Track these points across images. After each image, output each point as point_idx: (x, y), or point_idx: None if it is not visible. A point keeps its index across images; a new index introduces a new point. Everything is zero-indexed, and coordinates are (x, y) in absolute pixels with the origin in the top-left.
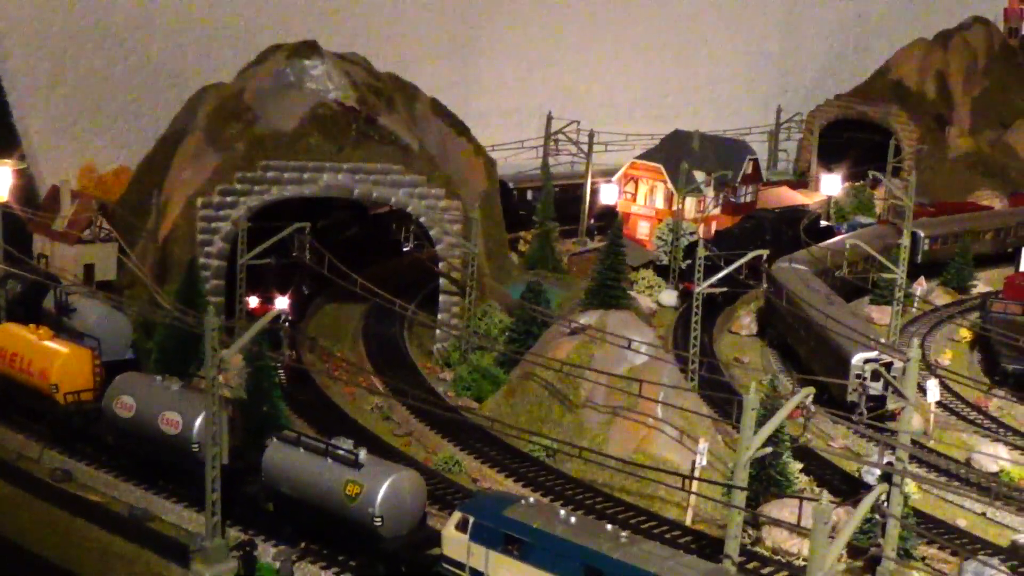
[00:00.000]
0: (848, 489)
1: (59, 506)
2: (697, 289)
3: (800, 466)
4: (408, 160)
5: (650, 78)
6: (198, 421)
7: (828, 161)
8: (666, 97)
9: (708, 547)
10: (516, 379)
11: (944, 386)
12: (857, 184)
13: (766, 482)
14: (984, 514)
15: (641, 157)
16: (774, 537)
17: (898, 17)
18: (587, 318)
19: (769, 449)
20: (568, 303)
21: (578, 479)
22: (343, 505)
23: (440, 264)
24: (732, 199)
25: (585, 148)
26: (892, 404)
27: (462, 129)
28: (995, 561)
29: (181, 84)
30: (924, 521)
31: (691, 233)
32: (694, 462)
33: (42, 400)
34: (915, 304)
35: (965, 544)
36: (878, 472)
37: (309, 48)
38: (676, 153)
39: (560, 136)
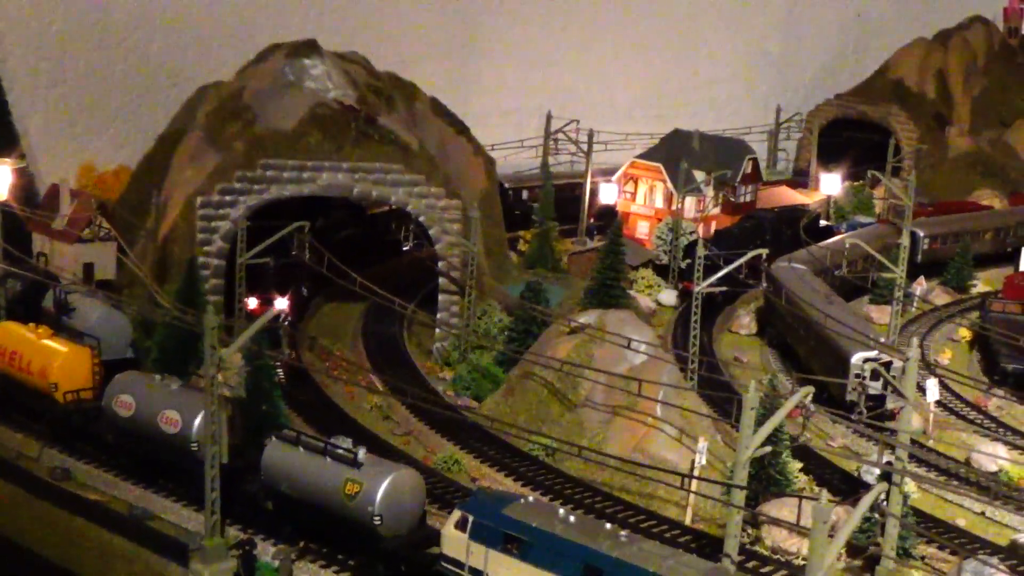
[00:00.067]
0: (847, 488)
1: (58, 505)
2: (696, 288)
3: (799, 465)
4: (408, 159)
5: (650, 77)
6: (197, 420)
7: (828, 161)
8: (666, 96)
9: (708, 546)
10: (515, 378)
11: (943, 385)
12: (856, 184)
13: (765, 481)
14: (983, 513)
15: (641, 157)
16: (773, 536)
17: (898, 17)
18: (586, 317)
19: (768, 448)
20: (568, 302)
21: (577, 478)
22: (342, 504)
23: (439, 263)
24: (732, 199)
25: (585, 147)
26: (891, 403)
27: (462, 128)
28: (994, 560)
29: (181, 83)
30: (923, 520)
31: (691, 232)
32: (693, 461)
33: (41, 399)
34: (914, 304)
35: (964, 543)
36: (877, 471)
37: (309, 47)
38: (676, 152)
39: (560, 135)
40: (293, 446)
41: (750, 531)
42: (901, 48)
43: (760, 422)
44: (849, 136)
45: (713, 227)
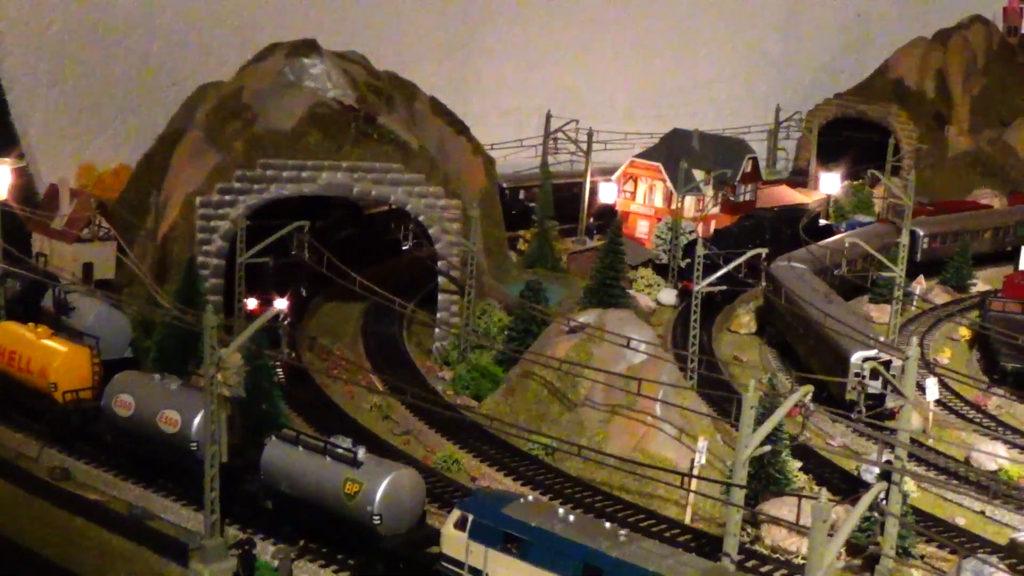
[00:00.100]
0: (847, 487)
1: (58, 505)
2: (696, 288)
3: (799, 464)
4: (407, 159)
5: (649, 77)
6: (197, 419)
7: (827, 160)
8: (665, 96)
9: (707, 545)
10: (515, 378)
11: (943, 384)
12: (856, 183)
13: (765, 480)
14: (983, 512)
15: (640, 156)
16: (773, 535)
17: (897, 16)
18: (586, 317)
19: (768, 447)
20: (567, 302)
21: (577, 477)
22: (342, 503)
23: (439, 263)
24: (731, 198)
25: (584, 147)
26: (891, 402)
27: (461, 128)
28: (994, 559)
29: (180, 83)
30: (923, 519)
31: (690, 232)
32: (693, 460)
33: (41, 399)
34: (914, 303)
35: (964, 542)
36: (877, 470)
37: (308, 47)
38: (675, 152)
39: (559, 135)
40: (293, 445)
41: (750, 530)
42: (901, 47)
43: (759, 421)
44: (849, 135)
45: (713, 226)
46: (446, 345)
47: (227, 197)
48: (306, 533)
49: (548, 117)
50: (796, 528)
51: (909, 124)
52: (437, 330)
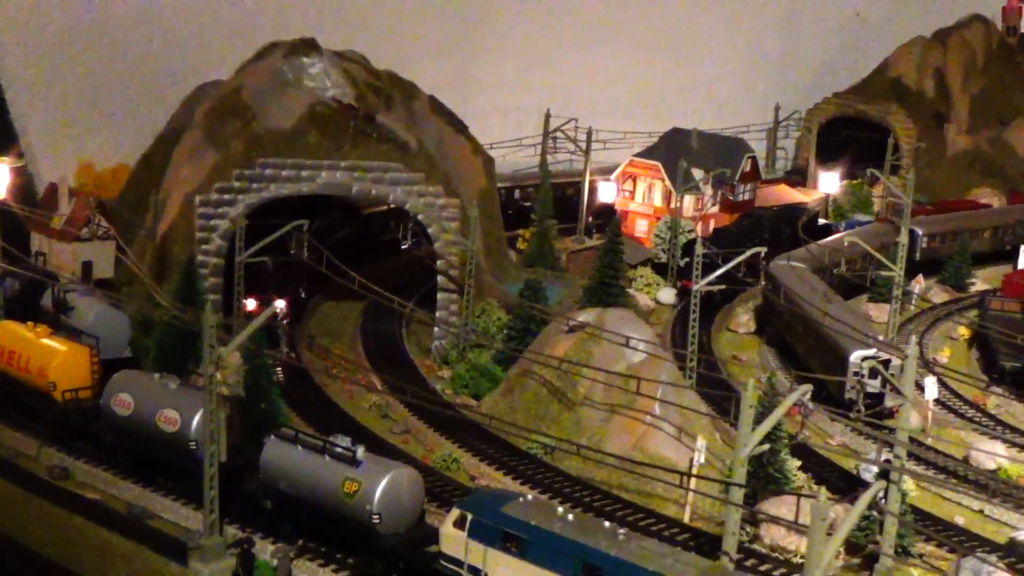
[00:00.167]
0: (846, 486)
1: (57, 504)
2: (695, 287)
3: (798, 463)
4: (406, 158)
5: (648, 76)
6: (196, 419)
7: (826, 159)
8: (664, 95)
9: (706, 544)
10: (514, 377)
11: (942, 384)
12: (855, 182)
13: (764, 479)
14: (982, 511)
15: (639, 155)
16: (772, 534)
17: (896, 15)
18: (585, 316)
19: (767, 446)
20: (567, 301)
21: (576, 476)
22: (341, 502)
23: (438, 262)
24: (730, 197)
25: (583, 146)
26: (890, 401)
27: (460, 127)
28: (993, 558)
29: (179, 82)
30: (922, 518)
31: (689, 231)
32: (692, 459)
33: (40, 398)
34: (913, 302)
35: (963, 541)
36: (876, 469)
37: (307, 46)
38: (674, 151)
39: (558, 134)
40: (292, 445)
41: (749, 529)
42: (900, 47)
43: (759, 420)
44: (848, 134)
45: (712, 225)
46: (445, 344)
47: (226, 196)
48: (305, 532)
49: (547, 116)
50: (795, 527)
51: (908, 123)
52: (436, 329)
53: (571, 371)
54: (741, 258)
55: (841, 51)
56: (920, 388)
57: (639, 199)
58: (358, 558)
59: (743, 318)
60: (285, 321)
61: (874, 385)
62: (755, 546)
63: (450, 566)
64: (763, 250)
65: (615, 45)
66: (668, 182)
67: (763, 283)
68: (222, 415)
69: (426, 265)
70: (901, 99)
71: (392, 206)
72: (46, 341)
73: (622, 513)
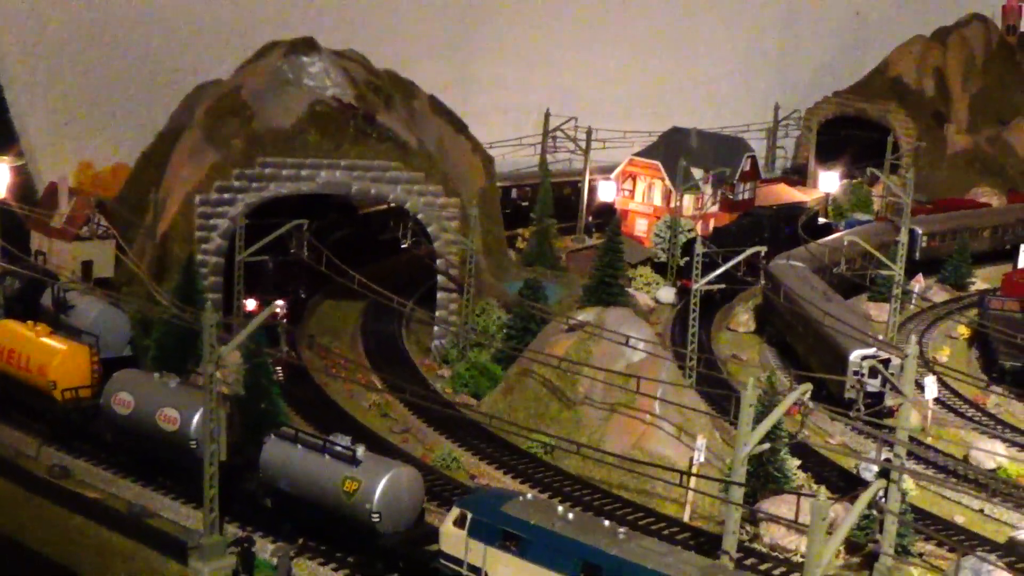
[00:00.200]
0: (846, 485)
1: (57, 503)
2: (695, 286)
3: (798, 462)
4: (406, 157)
5: (648, 75)
6: (196, 418)
7: (826, 158)
8: (664, 94)
9: (706, 543)
10: (514, 376)
11: (942, 383)
12: (855, 181)
13: (764, 478)
14: (982, 511)
15: (639, 154)
16: (772, 533)
17: (896, 14)
18: (585, 315)
19: (767, 445)
20: (567, 300)
21: (576, 475)
22: (341, 501)
23: (438, 261)
24: (730, 196)
25: (583, 145)
26: (890, 401)
27: (460, 126)
28: (993, 557)
29: (179, 81)
30: (922, 517)
31: (689, 230)
32: (692, 458)
33: (40, 397)
34: (913, 301)
35: (963, 540)
36: (876, 468)
37: (307, 45)
38: (674, 150)
39: (558, 133)
40: (292, 444)
41: (748, 528)
42: (900, 46)
43: (758, 419)
44: (847, 134)
45: (711, 225)
46: (445, 343)
47: (226, 195)
48: (305, 531)
49: (547, 115)
50: (795, 526)
51: (908, 122)
52: (436, 328)
53: (571, 370)
54: (741, 257)
55: (841, 50)
56: (920, 387)
57: (639, 198)
58: (358, 557)
59: (743, 317)
60: (284, 320)
61: (874, 384)
62: (755, 545)
63: (450, 565)
64: (763, 249)
65: (615, 44)
66: (668, 181)
67: (763, 282)
68: (222, 414)
69: (426, 264)
70: (901, 98)
71: (392, 205)
72: (46, 340)
73: (622, 512)
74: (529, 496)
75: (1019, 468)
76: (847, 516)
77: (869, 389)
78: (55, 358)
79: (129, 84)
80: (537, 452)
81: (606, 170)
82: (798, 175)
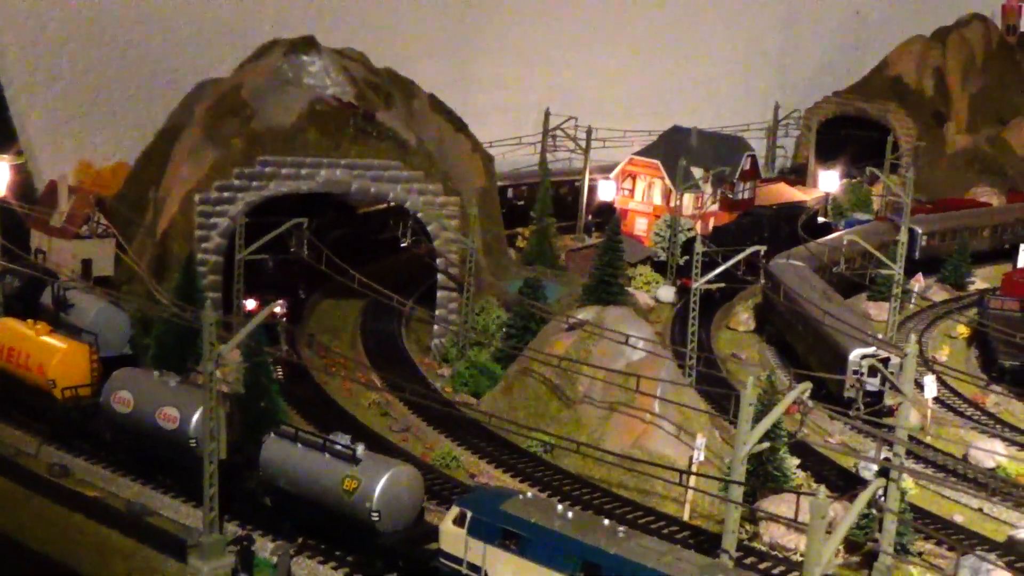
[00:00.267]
0: (845, 484)
1: (57, 501)
2: (695, 285)
3: (797, 461)
4: (406, 156)
5: (648, 74)
6: (196, 416)
7: (826, 158)
8: (664, 93)
9: (705, 542)
10: (514, 375)
11: (941, 382)
12: (855, 181)
13: (763, 477)
14: (981, 509)
15: (639, 153)
16: (771, 532)
17: (896, 14)
18: (585, 314)
19: (766, 444)
20: (566, 299)
21: (576, 474)
22: (341, 500)
23: (438, 260)
24: (730, 195)
25: (583, 144)
26: (889, 400)
27: (460, 125)
28: (992, 556)
29: (179, 79)
30: (921, 516)
31: (689, 229)
32: (691, 457)
33: (40, 395)
34: (912, 300)
35: (962, 539)
36: (875, 467)
37: (307, 44)
38: (674, 149)
39: (558, 132)
40: (291, 442)
41: (748, 527)
42: (899, 45)
43: (758, 418)
44: (847, 133)
45: (711, 224)
46: (445, 342)
47: (226, 194)
48: (305, 530)
49: (547, 114)
50: (794, 525)
51: (908, 122)
52: (436, 327)
53: (571, 369)
54: (740, 256)
55: (841, 50)
56: (919, 386)
57: (639, 197)
58: (357, 556)
59: (743, 316)
60: (284, 319)
61: (873, 383)
62: (754, 544)
63: (449, 564)
64: (763, 248)
65: (615, 44)
66: (668, 180)
67: (763, 281)
68: (222, 413)
69: (425, 263)
70: (900, 98)
71: (391, 204)
72: (46, 339)
73: (621, 511)
74: (529, 495)
75: (1018, 467)
76: (846, 515)
77: (869, 388)
78: (55, 357)
79: (129, 83)
80: (537, 451)
81: (606, 169)
82: (795, 175)
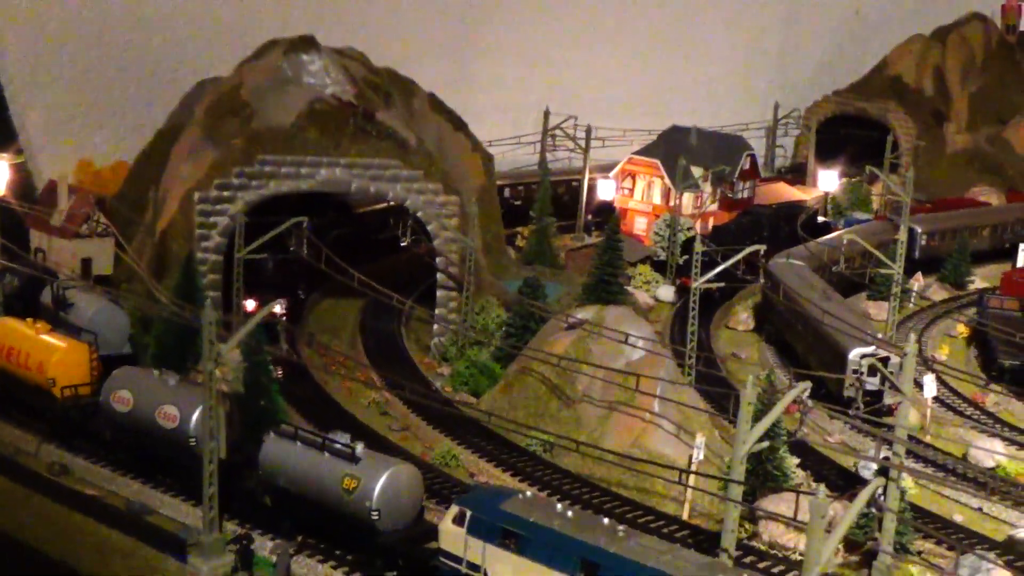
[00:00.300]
0: (845, 484)
1: (56, 500)
2: (694, 284)
3: (797, 461)
4: (405, 155)
5: (648, 74)
6: (195, 415)
7: (826, 157)
8: (664, 93)
9: (705, 541)
10: (513, 374)
11: (941, 381)
12: (854, 180)
13: (763, 476)
14: (980, 509)
15: (638, 153)
16: (771, 531)
17: (896, 13)
18: (584, 313)
19: (766, 444)
20: (566, 298)
21: (575, 473)
22: (340, 499)
23: (437, 259)
24: (729, 195)
25: (583, 143)
26: (889, 399)
27: (460, 124)
28: (992, 555)
29: (178, 79)
30: (920, 516)
31: (688, 229)
32: (691, 456)
33: (39, 394)
34: (912, 300)
35: (961, 539)
36: (875, 467)
37: (307, 43)
38: (673, 149)
39: (558, 132)
40: (291, 441)
41: (747, 526)
42: (899, 45)
43: (757, 417)
44: (847, 133)
45: (711, 223)
46: (444, 341)
47: (225, 193)
48: (304, 529)
49: (546, 114)
50: (794, 524)
51: (907, 121)
52: (435, 326)
53: (570, 368)
54: (740, 255)
55: (840, 49)
56: (919, 386)
57: (638, 197)
58: (357, 555)
59: (742, 315)
60: (284, 318)
61: (873, 382)
62: (754, 543)
63: (449, 563)
64: (762, 248)
65: (614, 43)
66: (667, 180)
67: (762, 281)
68: (221, 412)
69: (425, 262)
70: (900, 97)
71: (391, 203)
72: (45, 337)
73: (621, 510)
74: (528, 494)
75: (1018, 466)
76: (846, 514)
77: (868, 387)
78: (54, 355)
79: (129, 82)
80: (536, 450)
81: (606, 168)
82: (791, 174)
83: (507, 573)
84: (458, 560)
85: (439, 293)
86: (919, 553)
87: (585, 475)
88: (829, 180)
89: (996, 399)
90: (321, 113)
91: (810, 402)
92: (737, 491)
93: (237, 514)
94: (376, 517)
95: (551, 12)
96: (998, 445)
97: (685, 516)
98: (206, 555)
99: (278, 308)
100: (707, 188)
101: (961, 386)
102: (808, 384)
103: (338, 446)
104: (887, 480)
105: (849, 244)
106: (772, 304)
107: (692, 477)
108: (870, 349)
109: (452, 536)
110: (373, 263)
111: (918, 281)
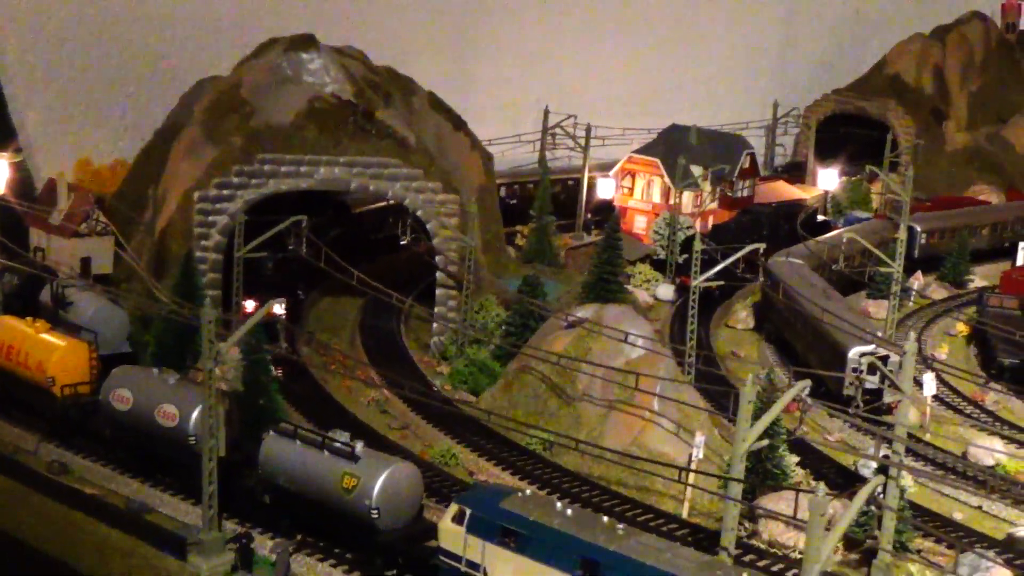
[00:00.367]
0: (844, 482)
1: (56, 499)
2: (694, 283)
3: (796, 459)
4: (405, 154)
5: (647, 72)
6: (195, 414)
7: (825, 156)
8: (663, 91)
9: (704, 540)
10: (513, 372)
11: (940, 380)
12: (854, 179)
13: (762, 475)
14: (980, 507)
15: (638, 151)
16: (770, 530)
17: (895, 12)
18: (584, 311)
19: (765, 442)
20: (566, 297)
21: (575, 472)
22: (340, 498)
23: (437, 258)
24: (729, 193)
25: (582, 142)
26: (888, 397)
27: (459, 123)
28: (991, 554)
29: (178, 77)
30: (920, 514)
31: (688, 227)
32: (690, 455)
33: (39, 393)
34: (912, 298)
35: (961, 537)
36: (874, 465)
37: (306, 41)
38: (673, 147)
39: (557, 130)
40: (290, 440)
41: (747, 524)
42: (899, 43)
43: (757, 416)
44: (846, 131)
45: (710, 222)
46: (444, 340)
47: (225, 192)
48: (304, 527)
49: (546, 113)
50: (793, 522)
51: (907, 120)
52: (435, 325)
53: (570, 367)
54: (740, 254)
55: (840, 48)
56: (918, 384)
57: (638, 195)
58: (357, 553)
59: (742, 314)
60: (284, 317)
61: (873, 381)
62: (753, 541)
63: (448, 561)
64: (762, 246)
65: (614, 42)
66: (667, 178)
67: (762, 279)
68: (221, 410)
69: (424, 261)
70: (900, 96)
71: (390, 202)
72: (45, 336)
73: (621, 508)
74: (528, 492)
75: (1017, 465)
76: (845, 512)
77: (868, 386)
78: (54, 354)
79: (128, 80)
80: (536, 448)
81: (605, 167)
82: (788, 173)
83: (507, 571)
84: (458, 559)
85: (438, 292)
86: (918, 551)
87: (585, 473)
88: (829, 179)
89: (996, 397)
90: (321, 112)
91: (809, 400)
92: (737, 489)
93: (237, 513)
94: (376, 516)
95: (551, 11)
96: (998, 443)
97: (685, 514)
98: (206, 554)
99: (277, 307)
100: (707, 187)
101: (961, 384)
102: (807, 382)
103: (337, 445)
104: (887, 478)
105: (849, 243)
106: (772, 303)
107: (692, 475)
108: (870, 347)
109: (452, 534)
110: (372, 262)
111: (918, 280)
